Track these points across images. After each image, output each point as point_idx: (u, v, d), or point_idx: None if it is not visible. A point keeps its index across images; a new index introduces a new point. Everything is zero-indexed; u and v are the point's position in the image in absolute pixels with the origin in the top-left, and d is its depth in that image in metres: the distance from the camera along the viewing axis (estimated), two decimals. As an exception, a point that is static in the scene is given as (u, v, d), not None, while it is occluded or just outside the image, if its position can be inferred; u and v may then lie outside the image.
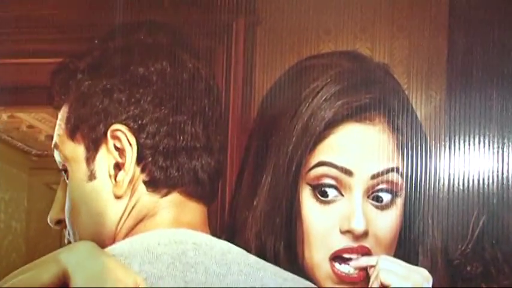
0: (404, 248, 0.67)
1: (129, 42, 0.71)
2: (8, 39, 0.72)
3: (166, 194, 0.66)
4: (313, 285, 0.66)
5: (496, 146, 0.66)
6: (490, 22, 0.64)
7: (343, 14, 0.68)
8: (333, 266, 0.65)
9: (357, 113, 0.65)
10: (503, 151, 0.66)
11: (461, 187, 0.66)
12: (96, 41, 0.69)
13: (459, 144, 0.66)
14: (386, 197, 0.65)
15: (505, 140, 0.66)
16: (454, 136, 0.65)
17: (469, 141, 0.66)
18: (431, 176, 0.66)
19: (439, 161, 0.66)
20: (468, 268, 0.63)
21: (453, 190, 0.66)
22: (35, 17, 0.72)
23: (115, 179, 0.66)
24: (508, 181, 0.66)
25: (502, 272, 0.64)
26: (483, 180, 0.66)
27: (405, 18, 0.68)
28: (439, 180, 0.66)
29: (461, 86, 0.65)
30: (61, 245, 0.70)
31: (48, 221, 0.70)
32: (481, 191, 0.66)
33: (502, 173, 0.66)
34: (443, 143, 0.66)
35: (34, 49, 0.72)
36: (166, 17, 0.70)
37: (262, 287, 0.65)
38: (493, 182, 0.66)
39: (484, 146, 0.66)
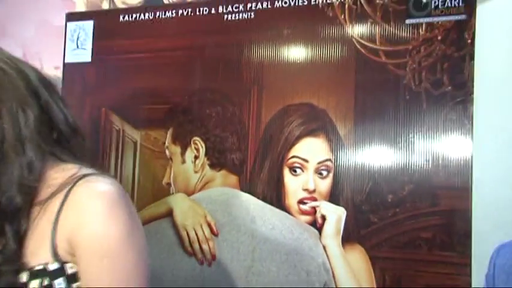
0: (333, 197, 1.09)
1: (201, 98, 1.19)
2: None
3: (219, 170, 1.15)
4: (290, 216, 1.10)
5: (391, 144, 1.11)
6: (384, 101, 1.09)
7: (305, 82, 1.12)
8: (299, 206, 1.11)
9: (311, 132, 1.11)
10: (394, 148, 1.12)
11: (359, 169, 1.07)
12: (186, 98, 1.20)
13: (362, 148, 1.11)
14: (324, 173, 1.10)
15: (398, 141, 1.12)
16: (358, 144, 1.09)
17: (365, 146, 1.11)
18: (346, 163, 1.09)
19: (350, 155, 1.09)
20: (363, 207, 1.07)
21: (358, 170, 1.09)
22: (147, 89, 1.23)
23: (194, 164, 1.16)
24: (393, 163, 1.07)
25: (386, 207, 1.06)
26: (370, 163, 1.07)
27: (334, 85, 1.10)
28: (350, 165, 1.09)
29: (362, 121, 1.10)
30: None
31: (164, 183, 1.20)
32: (369, 169, 1.08)
33: (389, 156, 1.10)
34: (352, 148, 1.10)
35: (153, 100, 1.24)
36: (220, 84, 1.19)
37: (265, 217, 1.10)
38: (380, 164, 1.07)
39: (371, 148, 1.11)
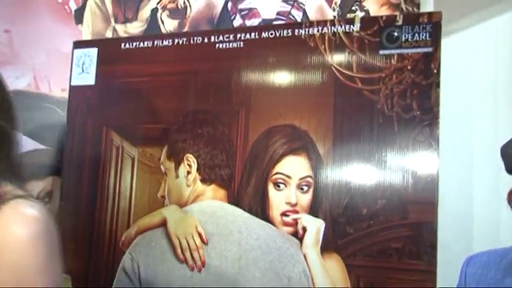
0: (313, 210, 1.17)
1: (193, 119, 1.29)
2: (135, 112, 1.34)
3: (209, 185, 1.23)
4: (274, 227, 1.18)
5: (360, 162, 1.21)
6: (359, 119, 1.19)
7: (288, 105, 1.20)
8: (281, 218, 1.18)
9: (293, 151, 1.19)
10: (359, 164, 1.21)
11: (337, 185, 1.16)
12: (180, 118, 1.29)
13: (340, 166, 1.20)
14: (305, 188, 1.18)
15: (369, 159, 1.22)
16: (336, 163, 1.18)
17: (342, 164, 1.20)
18: (325, 179, 1.18)
19: (328, 173, 1.18)
20: (340, 219, 1.15)
21: (336, 185, 1.17)
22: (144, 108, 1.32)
23: (187, 178, 1.24)
24: (367, 180, 1.15)
25: (361, 220, 1.14)
26: (347, 179, 1.16)
27: (315, 108, 1.18)
28: (329, 181, 1.17)
29: (340, 141, 1.19)
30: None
31: (158, 196, 1.28)
32: (346, 185, 1.15)
33: (364, 174, 1.18)
34: (330, 165, 1.18)
35: (150, 120, 1.33)
36: (212, 106, 1.28)
37: (250, 227, 1.18)
38: (356, 181, 1.15)
39: (348, 166, 1.20)
